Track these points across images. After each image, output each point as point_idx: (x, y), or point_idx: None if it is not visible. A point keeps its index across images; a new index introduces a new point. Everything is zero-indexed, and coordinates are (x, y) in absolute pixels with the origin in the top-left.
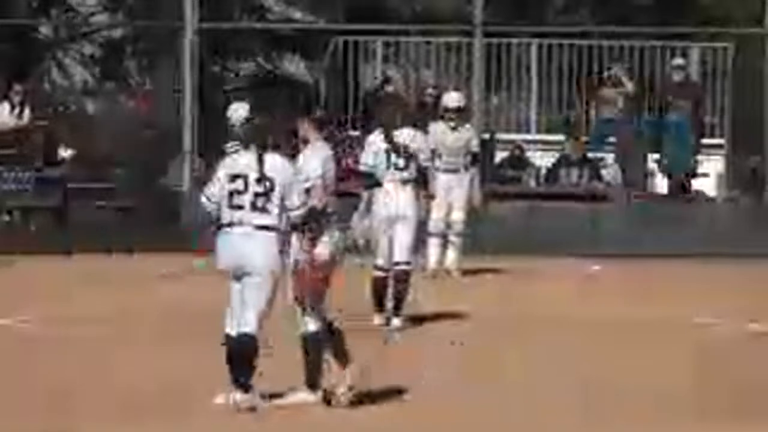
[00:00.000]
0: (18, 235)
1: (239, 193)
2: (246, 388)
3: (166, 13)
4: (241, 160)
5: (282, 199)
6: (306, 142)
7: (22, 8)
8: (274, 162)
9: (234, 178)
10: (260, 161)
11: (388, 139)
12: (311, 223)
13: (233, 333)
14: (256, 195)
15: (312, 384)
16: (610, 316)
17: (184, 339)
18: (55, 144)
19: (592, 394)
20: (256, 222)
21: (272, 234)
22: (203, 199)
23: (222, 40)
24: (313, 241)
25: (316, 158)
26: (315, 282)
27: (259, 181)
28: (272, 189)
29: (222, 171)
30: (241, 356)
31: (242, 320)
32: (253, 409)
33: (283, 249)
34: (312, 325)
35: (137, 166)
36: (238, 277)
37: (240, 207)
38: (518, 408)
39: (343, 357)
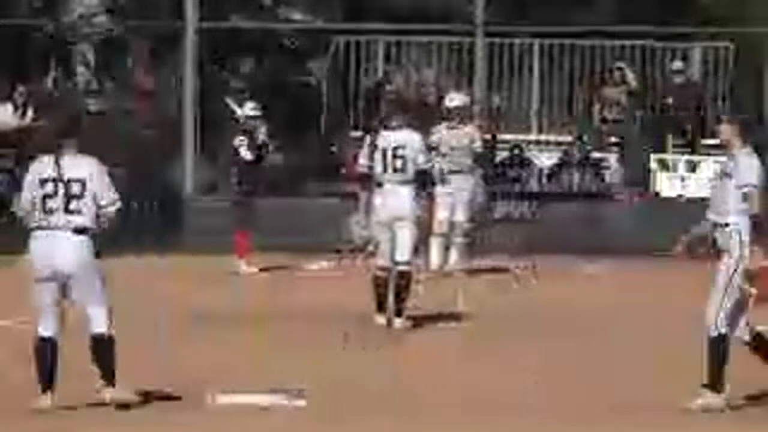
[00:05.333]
0: (18, 235)
1: (49, 197)
2: (113, 383)
3: (167, 13)
4: (46, 165)
5: (94, 199)
6: (729, 145)
7: (23, 9)
8: (78, 162)
9: (42, 182)
10: (58, 164)
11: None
12: (758, 230)
13: (46, 334)
14: (67, 198)
15: (713, 386)
16: (611, 315)
17: (185, 339)
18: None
19: (592, 393)
20: (70, 225)
21: (83, 237)
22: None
23: (222, 39)
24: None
25: (751, 168)
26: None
27: (65, 183)
28: (84, 190)
29: (29, 176)
30: (104, 354)
31: (96, 321)
32: (126, 406)
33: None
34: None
35: (137, 166)
36: (54, 279)
37: (52, 211)
38: (518, 408)
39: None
